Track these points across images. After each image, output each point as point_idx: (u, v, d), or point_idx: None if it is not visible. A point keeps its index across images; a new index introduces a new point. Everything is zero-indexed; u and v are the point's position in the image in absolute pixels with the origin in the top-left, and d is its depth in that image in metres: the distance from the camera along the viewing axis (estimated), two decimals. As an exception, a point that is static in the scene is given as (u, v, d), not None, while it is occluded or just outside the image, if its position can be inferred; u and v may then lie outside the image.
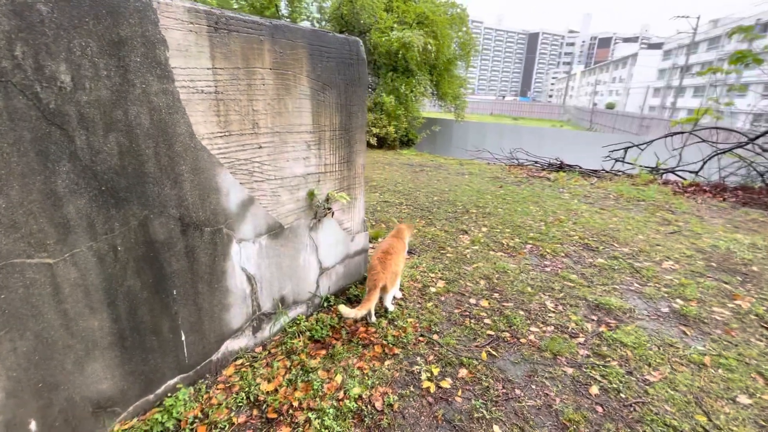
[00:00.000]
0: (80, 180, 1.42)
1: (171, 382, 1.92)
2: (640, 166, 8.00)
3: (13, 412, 1.40)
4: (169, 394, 1.92)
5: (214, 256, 1.96)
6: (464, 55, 12.90)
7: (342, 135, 2.56)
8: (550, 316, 2.79)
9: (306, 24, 13.36)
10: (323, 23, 13.25)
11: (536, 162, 8.97)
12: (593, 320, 2.76)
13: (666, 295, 3.14)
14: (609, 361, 2.33)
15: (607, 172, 8.11)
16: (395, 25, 10.14)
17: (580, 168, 8.31)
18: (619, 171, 8.14)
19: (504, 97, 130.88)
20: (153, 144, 1.59)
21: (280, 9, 11.85)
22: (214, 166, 1.85)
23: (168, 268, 1.77)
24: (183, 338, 1.92)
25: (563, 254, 3.90)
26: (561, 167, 8.49)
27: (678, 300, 3.05)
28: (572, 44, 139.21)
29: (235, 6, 11.16)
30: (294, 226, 2.38)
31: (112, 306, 1.61)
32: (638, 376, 2.21)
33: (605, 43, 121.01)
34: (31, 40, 1.22)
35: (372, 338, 2.47)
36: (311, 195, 2.42)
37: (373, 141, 10.57)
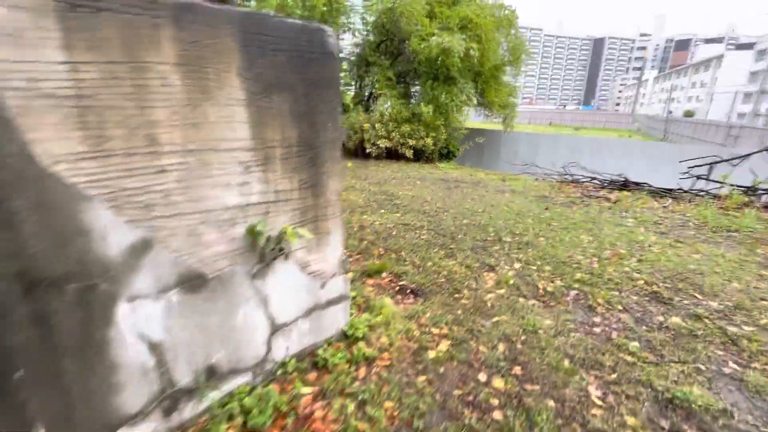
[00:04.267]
0: None
1: (22, 493, 1.40)
2: (731, 185, 6.49)
3: None
4: None
5: (88, 321, 1.42)
6: (514, 60, 11.88)
7: (302, 152, 1.96)
8: (593, 415, 1.91)
9: (347, 36, 13.20)
10: (366, 34, 13.00)
11: (594, 178, 7.74)
12: (663, 429, 1.84)
13: (784, 389, 2.10)
14: None
15: (685, 192, 6.70)
16: (436, 31, 9.50)
17: (650, 186, 6.97)
18: (702, 191, 6.68)
19: (565, 106, 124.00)
20: (-49, 171, 1.09)
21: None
22: (76, 200, 1.31)
23: (2, 342, 1.25)
24: (39, 434, 1.38)
25: (621, 307, 2.94)
26: (625, 185, 7.21)
27: (806, 401, 2.01)
28: (643, 48, 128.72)
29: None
30: (225, 275, 1.79)
31: None
32: None
33: (683, 45, 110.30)
34: None
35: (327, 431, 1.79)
36: (253, 232, 1.82)
37: (410, 153, 9.93)
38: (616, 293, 3.15)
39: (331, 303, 2.34)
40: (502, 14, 10.64)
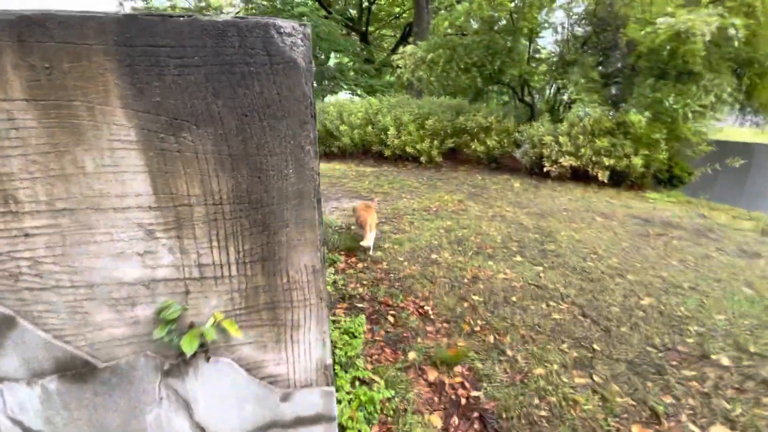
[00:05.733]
0: None
1: None
2: None
3: None
4: None
5: (-50, 397, 1.25)
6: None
7: (241, 212, 1.32)
8: None
9: (547, 35, 11.36)
10: (571, 29, 10.89)
11: None
12: None
13: None
14: None
15: None
16: (670, 9, 6.80)
17: None
18: None
19: None
20: None
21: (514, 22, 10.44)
22: None
23: None
24: None
25: None
26: None
27: None
28: None
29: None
30: (123, 366, 1.36)
31: None
32: None
33: None
34: None
35: None
36: (164, 317, 1.33)
37: (603, 176, 7.50)
38: None
39: (301, 422, 1.61)
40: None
